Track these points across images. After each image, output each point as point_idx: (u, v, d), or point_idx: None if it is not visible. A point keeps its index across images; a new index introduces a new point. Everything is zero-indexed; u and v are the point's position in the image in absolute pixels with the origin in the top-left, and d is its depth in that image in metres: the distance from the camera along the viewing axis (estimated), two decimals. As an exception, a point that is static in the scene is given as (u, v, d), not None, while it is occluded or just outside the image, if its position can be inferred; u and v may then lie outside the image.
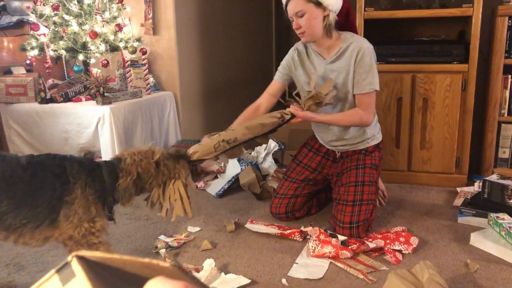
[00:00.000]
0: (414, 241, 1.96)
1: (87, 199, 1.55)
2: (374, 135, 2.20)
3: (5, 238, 1.49)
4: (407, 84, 2.64)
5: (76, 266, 0.46)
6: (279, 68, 2.28)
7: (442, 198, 2.56)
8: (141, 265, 0.47)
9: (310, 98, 1.98)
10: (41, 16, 2.76)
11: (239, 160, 2.85)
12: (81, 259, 0.46)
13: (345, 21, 2.10)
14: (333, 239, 1.94)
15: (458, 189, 2.63)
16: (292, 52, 2.23)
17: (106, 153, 2.67)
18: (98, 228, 1.57)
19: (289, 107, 2.02)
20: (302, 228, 2.12)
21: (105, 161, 1.67)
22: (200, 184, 2.82)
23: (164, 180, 1.70)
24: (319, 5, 1.95)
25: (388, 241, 1.95)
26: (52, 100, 2.82)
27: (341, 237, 1.97)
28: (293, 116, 1.98)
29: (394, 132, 2.73)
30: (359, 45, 2.01)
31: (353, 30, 2.16)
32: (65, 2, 2.72)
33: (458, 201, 2.43)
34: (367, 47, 2.01)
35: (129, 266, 0.48)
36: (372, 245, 1.93)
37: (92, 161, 1.65)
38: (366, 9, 2.66)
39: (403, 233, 2.01)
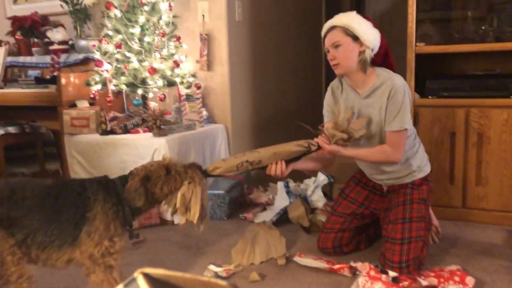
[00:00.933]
0: (470, 281, 1.89)
1: (106, 215, 1.62)
2: (421, 167, 2.14)
3: (36, 258, 1.57)
4: (461, 119, 2.60)
5: (141, 281, 0.50)
6: (323, 111, 2.32)
7: (500, 237, 2.45)
8: (200, 284, 0.51)
9: (339, 131, 1.98)
10: (105, 53, 2.95)
11: (287, 193, 2.86)
12: (146, 275, 0.51)
13: (383, 62, 2.10)
14: (384, 275, 1.90)
15: (518, 228, 2.52)
16: (328, 90, 2.26)
17: (160, 183, 2.77)
18: (117, 249, 1.63)
19: (317, 137, 2.04)
20: (352, 264, 2.09)
21: (120, 176, 1.75)
22: (249, 215, 2.85)
23: (177, 186, 1.71)
24: (356, 39, 1.98)
25: (442, 280, 1.89)
26: (112, 132, 2.98)
27: (392, 273, 1.93)
28: (319, 147, 2.00)
29: (447, 168, 2.66)
30: (392, 82, 1.99)
31: (392, 67, 2.14)
32: (127, 40, 2.91)
33: (518, 241, 2.32)
34: (401, 85, 1.99)
35: (189, 285, 0.52)
36: (424, 283, 1.87)
37: (106, 178, 1.73)
38: (417, 44, 2.66)
39: (458, 272, 1.94)
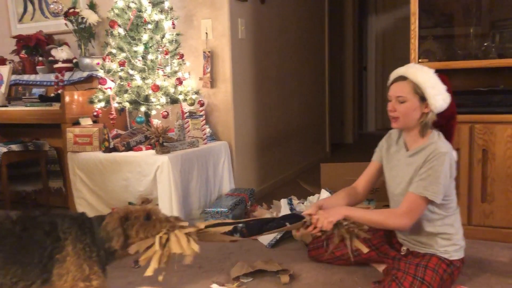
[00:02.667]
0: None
1: (78, 256, 1.50)
2: (447, 251, 1.96)
3: None
4: (465, 135, 2.58)
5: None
6: (376, 148, 2.23)
7: (508, 255, 2.41)
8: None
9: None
10: (108, 71, 2.97)
11: (291, 210, 2.84)
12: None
13: (445, 124, 2.01)
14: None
15: (525, 246, 2.48)
16: (386, 135, 2.18)
17: (163, 201, 2.76)
18: (96, 287, 1.51)
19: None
20: None
21: (98, 215, 1.64)
22: (253, 233, 2.82)
23: (154, 234, 1.57)
24: (423, 100, 1.89)
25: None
26: (115, 149, 2.97)
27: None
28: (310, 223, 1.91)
29: (452, 184, 2.64)
30: (437, 147, 1.88)
31: (451, 134, 2.05)
32: (130, 58, 2.93)
33: (526, 259, 2.28)
34: (444, 153, 1.86)
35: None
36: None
37: (83, 215, 1.63)
38: (420, 60, 2.66)
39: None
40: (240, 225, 1.81)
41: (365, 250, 1.90)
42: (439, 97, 1.88)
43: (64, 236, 1.51)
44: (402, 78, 1.92)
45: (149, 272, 1.53)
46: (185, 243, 1.54)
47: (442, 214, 1.96)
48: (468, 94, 2.71)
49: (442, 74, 1.97)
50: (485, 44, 2.74)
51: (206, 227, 1.70)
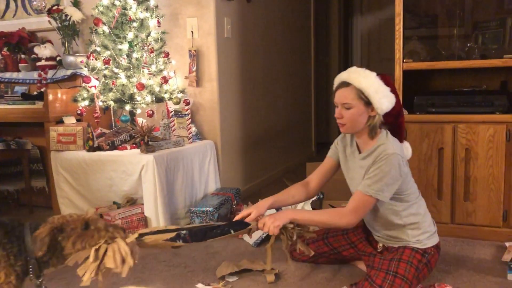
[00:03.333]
0: (451, 289, 1.88)
1: None
2: (419, 239, 1.99)
3: None
4: (448, 134, 2.61)
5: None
6: (332, 145, 2.24)
7: (489, 252, 2.45)
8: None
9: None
10: (93, 69, 2.94)
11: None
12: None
13: (393, 122, 2.01)
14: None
15: (507, 244, 2.51)
16: (341, 134, 2.17)
17: (148, 200, 2.74)
18: None
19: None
20: None
21: (34, 222, 1.56)
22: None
23: (92, 244, 1.51)
24: (368, 104, 1.90)
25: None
26: (99, 148, 2.95)
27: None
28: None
29: (436, 183, 2.67)
30: (385, 148, 1.90)
31: (401, 132, 2.06)
32: (115, 56, 2.90)
33: (507, 257, 2.31)
34: (390, 154, 1.87)
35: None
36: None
37: (14, 221, 1.55)
38: (404, 60, 2.69)
39: (437, 286, 1.93)
40: (183, 232, 1.79)
41: (310, 252, 1.98)
42: (384, 100, 1.89)
43: None
44: (346, 84, 1.93)
45: (84, 282, 1.48)
46: (119, 258, 1.48)
47: (403, 206, 1.99)
48: (451, 94, 2.75)
49: (384, 75, 1.98)
50: (468, 45, 2.78)
51: (141, 234, 1.66)
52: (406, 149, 2.07)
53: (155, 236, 1.70)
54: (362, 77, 1.90)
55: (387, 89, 1.91)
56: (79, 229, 1.53)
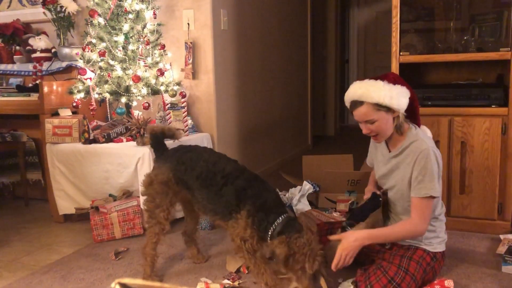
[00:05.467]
0: (450, 283, 1.89)
1: None
2: (431, 242, 2.01)
3: None
4: (444, 127, 2.62)
5: (118, 292, 0.48)
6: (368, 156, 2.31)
7: (484, 245, 2.47)
8: (179, 294, 0.49)
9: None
10: (88, 61, 2.92)
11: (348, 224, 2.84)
12: (123, 286, 0.49)
13: (409, 108, 2.01)
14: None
15: (501, 236, 2.53)
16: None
17: (144, 193, 2.73)
18: None
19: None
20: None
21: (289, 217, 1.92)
22: (235, 225, 2.82)
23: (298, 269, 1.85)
24: (389, 110, 1.90)
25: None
26: (95, 141, 2.93)
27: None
28: None
29: (432, 176, 2.67)
30: (420, 146, 1.91)
31: (416, 114, 2.08)
32: (111, 48, 2.88)
33: (502, 249, 2.33)
34: (427, 148, 1.89)
35: (167, 295, 0.49)
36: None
37: (277, 202, 1.96)
38: (401, 53, 2.68)
39: (435, 281, 1.94)
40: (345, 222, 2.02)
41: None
42: (400, 100, 1.89)
43: None
44: (360, 103, 1.92)
45: None
46: None
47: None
48: (448, 87, 2.75)
49: (387, 74, 1.98)
50: (465, 38, 2.77)
51: None
52: (425, 132, 2.09)
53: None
54: (371, 92, 1.88)
55: (398, 88, 1.91)
56: (302, 254, 1.85)
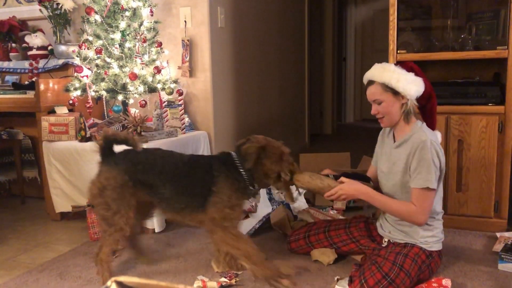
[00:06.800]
0: (447, 282, 1.90)
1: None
2: (427, 241, 2.01)
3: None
4: (441, 125, 2.62)
5: (114, 290, 0.48)
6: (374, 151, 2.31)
7: (481, 243, 2.47)
8: (175, 292, 0.49)
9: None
10: (85, 59, 2.91)
11: (270, 200, 2.85)
12: (119, 284, 0.48)
13: (426, 105, 2.08)
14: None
15: (498, 234, 2.53)
16: (381, 131, 2.24)
17: (141, 191, 2.72)
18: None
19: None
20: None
21: (237, 143, 2.09)
22: (232, 223, 2.82)
23: (282, 170, 2.01)
24: (396, 94, 1.96)
25: (422, 292, 1.89)
26: (91, 139, 2.92)
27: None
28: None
29: (428, 174, 2.68)
30: (420, 137, 1.94)
31: (432, 114, 2.11)
32: (107, 46, 2.87)
33: (498, 247, 2.33)
34: (426, 140, 1.92)
35: (163, 293, 0.49)
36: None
37: (222, 153, 2.10)
38: (398, 51, 2.68)
39: (433, 279, 1.94)
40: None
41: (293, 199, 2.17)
42: (409, 85, 1.94)
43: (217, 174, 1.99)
44: (371, 82, 2.02)
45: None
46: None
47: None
48: (445, 85, 2.75)
49: (407, 62, 2.05)
50: (462, 36, 2.78)
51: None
52: (437, 136, 2.10)
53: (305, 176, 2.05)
54: (381, 71, 1.97)
55: (410, 75, 1.96)
56: (276, 156, 2.01)
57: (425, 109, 2.09)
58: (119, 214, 1.99)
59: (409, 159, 1.96)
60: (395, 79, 1.93)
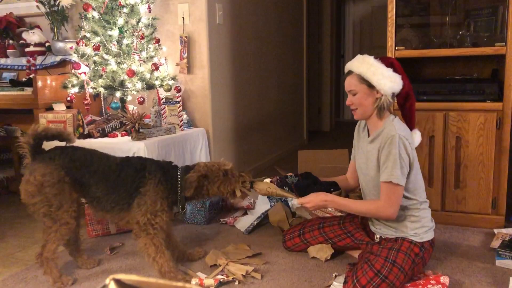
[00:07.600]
0: (445, 279, 1.90)
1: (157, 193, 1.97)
2: (417, 233, 2.00)
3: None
4: (440, 122, 2.62)
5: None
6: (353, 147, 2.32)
7: (478, 239, 2.48)
8: (174, 290, 0.48)
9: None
10: (82, 55, 2.90)
11: (268, 197, 2.85)
12: (118, 282, 0.48)
13: (403, 104, 2.09)
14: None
15: (495, 231, 2.54)
16: (357, 125, 2.26)
17: (139, 188, 2.72)
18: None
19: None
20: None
21: (184, 166, 2.09)
22: (230, 220, 2.82)
23: (232, 188, 2.04)
24: (371, 87, 1.96)
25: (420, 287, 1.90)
26: (89, 136, 2.92)
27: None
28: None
29: (427, 171, 2.68)
30: (389, 131, 1.94)
31: (411, 112, 2.11)
32: (105, 42, 2.86)
33: (496, 243, 2.34)
34: (395, 135, 1.91)
35: (162, 291, 0.49)
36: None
37: (169, 164, 2.08)
38: (396, 48, 2.68)
39: (431, 276, 1.95)
40: (292, 180, 2.17)
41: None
42: (384, 80, 1.94)
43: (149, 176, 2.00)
44: (349, 72, 2.03)
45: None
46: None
47: (412, 201, 2.02)
48: (443, 82, 2.75)
49: (387, 57, 2.06)
50: (460, 33, 2.77)
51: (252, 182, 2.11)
52: (415, 135, 2.10)
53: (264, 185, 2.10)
54: (360, 62, 1.99)
55: (387, 70, 1.96)
56: (221, 177, 2.04)
57: (404, 108, 2.11)
58: (62, 208, 1.96)
59: (379, 154, 1.98)
60: (372, 72, 1.95)
